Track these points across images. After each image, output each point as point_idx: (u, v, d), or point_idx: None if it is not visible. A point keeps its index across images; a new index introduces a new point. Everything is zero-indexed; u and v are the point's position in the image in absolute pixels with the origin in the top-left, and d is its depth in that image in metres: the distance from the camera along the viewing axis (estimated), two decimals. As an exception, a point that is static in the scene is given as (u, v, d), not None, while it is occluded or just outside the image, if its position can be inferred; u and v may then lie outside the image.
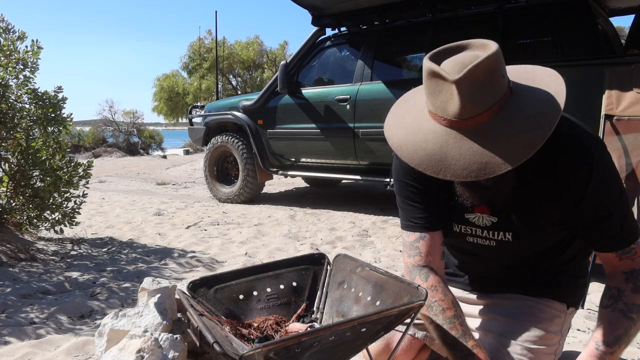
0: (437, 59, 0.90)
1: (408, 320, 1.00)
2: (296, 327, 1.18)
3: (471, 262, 1.23)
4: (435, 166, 0.88)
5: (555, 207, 1.01)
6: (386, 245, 3.45)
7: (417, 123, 0.94)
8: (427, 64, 0.89)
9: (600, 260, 1.04)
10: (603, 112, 2.47)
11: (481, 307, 1.20)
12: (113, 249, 3.40)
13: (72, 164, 3.41)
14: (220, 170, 5.50)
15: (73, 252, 3.27)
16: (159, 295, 1.59)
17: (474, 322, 1.19)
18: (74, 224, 3.42)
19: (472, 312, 1.21)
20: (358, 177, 4.50)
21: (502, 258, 1.15)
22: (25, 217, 3.38)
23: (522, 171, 0.97)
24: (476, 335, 1.15)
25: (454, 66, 0.86)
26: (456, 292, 1.27)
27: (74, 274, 2.79)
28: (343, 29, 4.82)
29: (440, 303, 1.06)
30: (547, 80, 0.95)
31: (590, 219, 0.99)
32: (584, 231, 1.02)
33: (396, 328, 1.04)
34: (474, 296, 1.23)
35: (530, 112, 0.87)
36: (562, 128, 0.96)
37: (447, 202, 1.11)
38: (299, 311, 1.26)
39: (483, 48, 0.89)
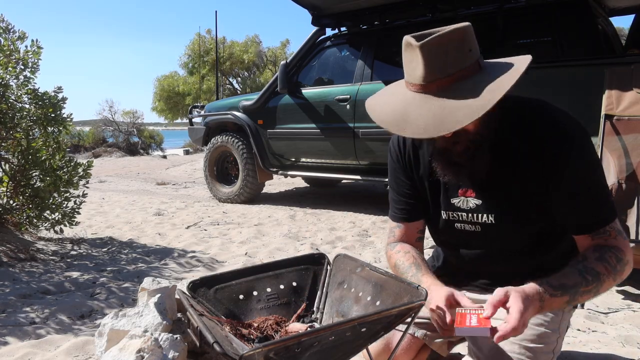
0: (417, 37, 0.98)
1: (408, 320, 1.00)
2: (296, 327, 1.18)
3: (463, 255, 1.22)
4: (398, 124, 0.98)
5: (534, 185, 1.04)
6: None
7: (394, 91, 1.06)
8: (405, 38, 0.98)
9: (577, 244, 1.06)
10: (603, 112, 2.47)
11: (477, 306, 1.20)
12: (113, 249, 3.40)
13: (72, 164, 3.41)
14: (220, 170, 5.50)
15: (73, 252, 3.27)
16: (159, 295, 1.59)
17: None
18: (73, 223, 3.43)
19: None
20: (358, 177, 4.50)
21: (489, 246, 1.16)
22: (25, 217, 3.38)
23: (503, 151, 1.05)
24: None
25: (425, 37, 0.95)
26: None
27: (74, 274, 2.79)
28: (343, 29, 4.82)
29: (402, 257, 1.18)
30: (516, 59, 1.02)
31: (566, 194, 1.02)
32: (561, 207, 1.04)
33: (396, 327, 1.05)
34: (471, 295, 1.23)
35: (489, 81, 0.94)
36: (545, 111, 1.04)
37: (435, 190, 1.18)
38: (299, 311, 1.26)
39: (455, 25, 0.96)
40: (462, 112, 0.90)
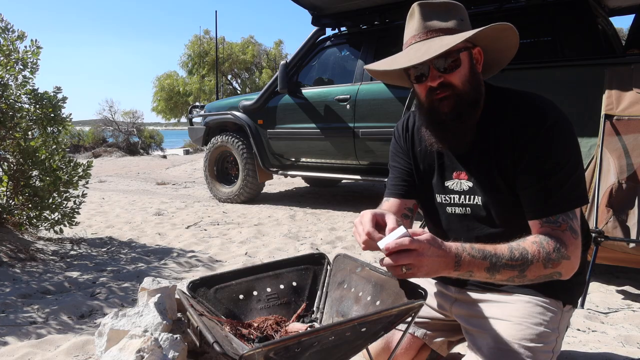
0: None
1: (408, 320, 1.00)
2: (296, 327, 1.18)
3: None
4: (388, 63, 1.12)
5: (511, 167, 1.08)
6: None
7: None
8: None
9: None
10: (603, 112, 2.47)
11: (477, 306, 1.20)
12: (113, 248, 3.40)
13: (72, 164, 3.41)
14: (220, 170, 5.50)
15: (73, 252, 3.27)
16: (159, 295, 1.58)
17: (470, 322, 1.19)
18: (73, 223, 3.42)
19: (469, 312, 1.21)
20: (358, 177, 4.50)
21: (477, 229, 1.17)
22: (25, 217, 3.38)
23: (489, 132, 1.10)
24: (474, 335, 1.16)
25: None
26: (452, 291, 1.27)
27: (74, 274, 2.79)
28: (343, 29, 4.82)
29: None
30: None
31: (525, 176, 1.05)
32: (520, 190, 1.07)
33: (396, 327, 1.04)
34: (469, 294, 1.23)
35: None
36: (531, 99, 1.09)
37: (431, 173, 1.23)
38: (299, 311, 1.26)
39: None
40: (438, 45, 1.02)
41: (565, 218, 1.02)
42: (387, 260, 0.91)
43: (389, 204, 1.29)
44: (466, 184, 1.16)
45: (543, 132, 1.04)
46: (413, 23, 1.09)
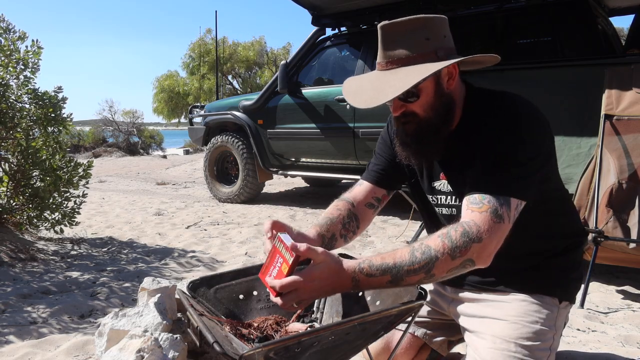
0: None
1: (408, 320, 1.00)
2: (296, 327, 1.18)
3: None
4: (351, 95, 1.09)
5: (474, 160, 1.06)
6: (386, 245, 3.45)
7: (369, 73, 1.14)
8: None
9: None
10: (603, 112, 2.47)
11: (473, 306, 1.20)
12: (113, 248, 3.40)
13: (72, 164, 3.41)
14: (220, 170, 5.50)
15: (73, 252, 3.27)
16: (159, 295, 1.59)
17: (467, 322, 1.19)
18: (74, 223, 3.42)
19: (465, 312, 1.21)
20: (358, 177, 4.47)
21: None
22: (25, 217, 3.38)
23: (466, 135, 1.09)
24: (471, 335, 1.16)
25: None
26: (449, 291, 1.27)
27: (74, 274, 2.79)
28: (343, 29, 4.82)
29: (329, 210, 1.27)
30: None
31: (482, 157, 1.03)
32: (471, 172, 1.05)
33: (396, 327, 1.05)
34: (465, 294, 1.23)
35: (422, 68, 1.01)
36: (507, 100, 1.07)
37: (420, 174, 1.23)
38: (299, 311, 1.26)
39: (419, 15, 1.06)
40: (390, 84, 1.00)
41: (492, 200, 0.95)
42: (277, 300, 0.92)
43: (359, 189, 1.32)
44: (448, 185, 1.17)
45: (505, 123, 1.02)
46: (379, 46, 1.08)
